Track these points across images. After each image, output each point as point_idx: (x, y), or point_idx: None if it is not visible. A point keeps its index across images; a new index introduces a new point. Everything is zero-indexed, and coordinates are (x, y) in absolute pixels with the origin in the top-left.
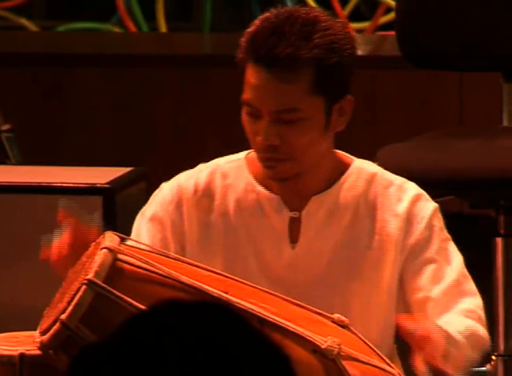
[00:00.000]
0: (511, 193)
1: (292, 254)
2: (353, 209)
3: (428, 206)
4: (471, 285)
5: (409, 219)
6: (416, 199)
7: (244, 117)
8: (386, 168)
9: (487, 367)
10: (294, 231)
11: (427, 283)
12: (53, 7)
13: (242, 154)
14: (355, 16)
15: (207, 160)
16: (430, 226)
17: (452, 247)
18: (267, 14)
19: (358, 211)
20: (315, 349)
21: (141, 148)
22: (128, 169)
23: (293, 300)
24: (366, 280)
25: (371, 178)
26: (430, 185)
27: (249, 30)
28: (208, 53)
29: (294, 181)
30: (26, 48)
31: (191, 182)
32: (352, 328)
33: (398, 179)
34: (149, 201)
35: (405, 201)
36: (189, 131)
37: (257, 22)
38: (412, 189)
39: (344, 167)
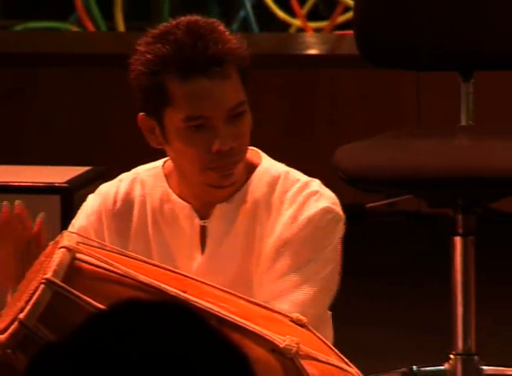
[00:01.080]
0: (469, 192)
1: (200, 263)
2: (252, 215)
3: (316, 205)
4: (324, 294)
5: (292, 221)
6: (306, 199)
7: (185, 136)
8: (343, 168)
9: (445, 366)
10: (204, 240)
11: (282, 267)
12: (10, 6)
13: (159, 162)
14: (314, 15)
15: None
16: (309, 224)
17: (329, 251)
18: (154, 34)
19: (256, 216)
20: (273, 348)
21: (99, 147)
22: (86, 168)
23: (251, 299)
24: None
25: (273, 182)
26: (388, 184)
27: (157, 53)
28: None
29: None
30: None
31: (111, 192)
32: (310, 327)
33: (301, 182)
34: (78, 214)
35: (296, 204)
36: None
37: (150, 45)
38: (308, 189)
39: (251, 169)
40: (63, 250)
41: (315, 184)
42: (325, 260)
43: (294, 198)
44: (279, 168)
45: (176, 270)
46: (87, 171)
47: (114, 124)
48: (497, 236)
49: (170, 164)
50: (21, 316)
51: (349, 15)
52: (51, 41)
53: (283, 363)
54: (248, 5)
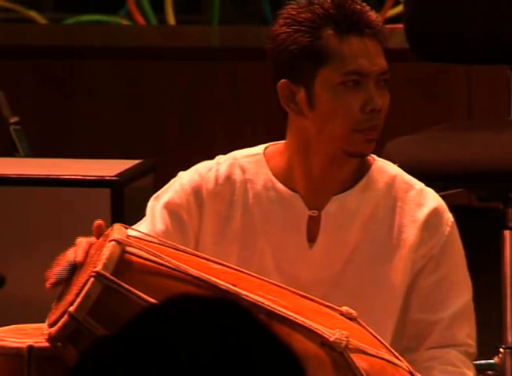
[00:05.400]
0: None
1: (309, 253)
2: (371, 212)
3: (448, 219)
4: (471, 306)
5: (427, 229)
6: (436, 209)
7: (341, 94)
8: (394, 161)
9: (495, 360)
10: (312, 230)
11: (437, 304)
12: (62, 0)
13: (259, 149)
14: None
15: (214, 153)
16: (448, 242)
17: (464, 264)
18: (302, 2)
19: (376, 213)
20: (323, 342)
21: (149, 140)
22: (136, 162)
23: (301, 293)
24: (377, 284)
25: (391, 181)
26: (439, 178)
27: (315, 12)
28: (216, 46)
29: (330, 174)
30: (35, 40)
31: (211, 173)
32: (360, 321)
33: (418, 184)
34: (165, 188)
35: (426, 208)
36: (196, 123)
37: (303, 7)
38: (432, 196)
39: (366, 166)
40: (112, 243)
41: (431, 190)
42: (463, 276)
43: (419, 203)
44: (392, 167)
45: (226, 264)
46: (137, 165)
47: (165, 117)
48: None
49: (272, 151)
50: (71, 309)
51: (399, 8)
52: (101, 35)
53: (332, 356)
54: None
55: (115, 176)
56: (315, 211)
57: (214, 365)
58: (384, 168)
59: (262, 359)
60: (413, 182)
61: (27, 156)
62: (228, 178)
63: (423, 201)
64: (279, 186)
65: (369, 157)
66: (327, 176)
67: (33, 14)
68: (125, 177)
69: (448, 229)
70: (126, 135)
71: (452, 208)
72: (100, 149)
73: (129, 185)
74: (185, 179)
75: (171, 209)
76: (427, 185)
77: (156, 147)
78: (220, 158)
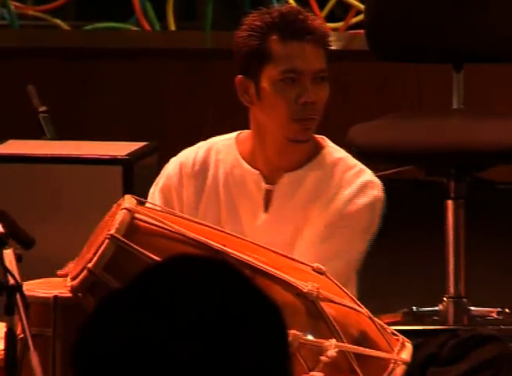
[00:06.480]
0: (460, 163)
1: (264, 220)
2: (316, 186)
3: (370, 194)
4: (352, 280)
5: (351, 200)
6: (363, 185)
7: (279, 88)
8: (356, 143)
9: (439, 307)
10: (269, 201)
11: (328, 252)
12: (82, 9)
13: (233, 135)
14: (331, 17)
15: (205, 135)
16: (367, 208)
17: (366, 237)
18: (260, 11)
19: (319, 188)
20: (298, 293)
21: (153, 126)
22: (143, 144)
23: (279, 251)
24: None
25: (335, 163)
26: (393, 156)
27: (264, 20)
28: (209, 48)
29: (295, 149)
30: (60, 43)
31: (191, 157)
32: (328, 275)
33: (359, 166)
34: (161, 173)
35: (355, 186)
36: (193, 112)
37: (257, 17)
38: (367, 175)
39: (318, 149)
40: (124, 211)
41: (368, 172)
42: (366, 240)
43: (352, 181)
44: (341, 152)
45: (217, 227)
46: (144, 146)
47: (166, 107)
48: (486, 200)
49: (243, 136)
50: (89, 265)
51: (360, 17)
52: (114, 39)
53: (306, 305)
54: (276, 6)
55: (126, 156)
56: (271, 186)
57: (211, 310)
58: (333, 153)
59: (248, 307)
60: (355, 164)
61: (52, 139)
62: (204, 161)
63: (356, 180)
64: (244, 165)
65: (322, 143)
66: (282, 157)
67: (58, 21)
68: (134, 156)
69: (368, 200)
70: (133, 121)
71: (403, 182)
72: (112, 132)
73: (137, 163)
74: (171, 165)
75: (164, 192)
76: (383, 162)
77: (159, 131)
78: (201, 143)
